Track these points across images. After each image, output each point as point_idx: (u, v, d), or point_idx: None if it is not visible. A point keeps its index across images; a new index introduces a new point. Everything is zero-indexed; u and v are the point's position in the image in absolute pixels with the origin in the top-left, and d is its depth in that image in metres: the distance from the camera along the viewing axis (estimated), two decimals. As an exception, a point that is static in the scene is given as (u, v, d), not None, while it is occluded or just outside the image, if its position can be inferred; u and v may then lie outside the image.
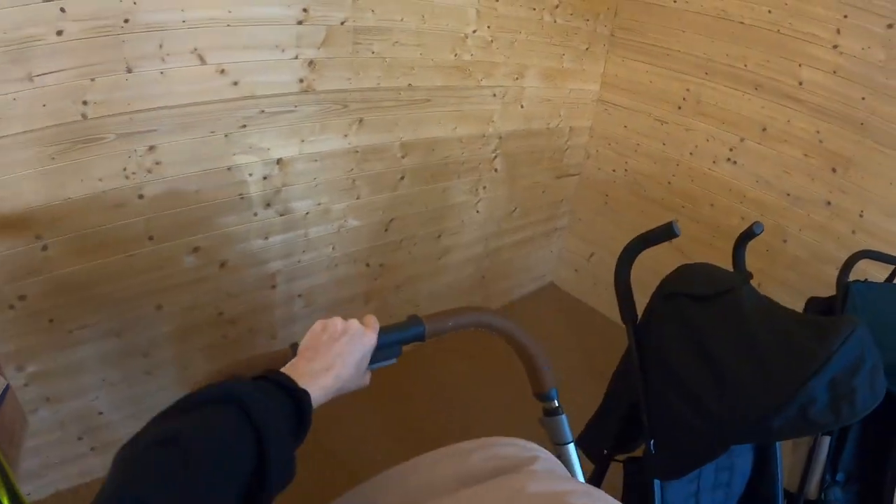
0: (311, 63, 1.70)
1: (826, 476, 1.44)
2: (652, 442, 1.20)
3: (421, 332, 0.78)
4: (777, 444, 1.30)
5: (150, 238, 1.62)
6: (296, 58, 1.67)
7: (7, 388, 1.06)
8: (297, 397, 0.59)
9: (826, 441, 1.44)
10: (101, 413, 1.74)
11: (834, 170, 2.05)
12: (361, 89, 1.85)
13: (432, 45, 1.98)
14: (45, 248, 1.46)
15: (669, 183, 2.59)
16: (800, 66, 2.06)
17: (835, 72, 1.97)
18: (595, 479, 1.34)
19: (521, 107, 2.44)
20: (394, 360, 0.79)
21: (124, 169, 1.50)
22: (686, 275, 1.23)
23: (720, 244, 2.44)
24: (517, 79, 2.34)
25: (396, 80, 1.93)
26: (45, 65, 1.31)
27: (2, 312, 1.46)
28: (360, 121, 1.90)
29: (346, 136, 1.89)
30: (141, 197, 1.56)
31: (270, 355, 0.72)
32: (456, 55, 2.07)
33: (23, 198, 1.40)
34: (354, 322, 0.70)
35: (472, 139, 2.32)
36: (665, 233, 1.14)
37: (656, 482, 1.18)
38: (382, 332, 0.76)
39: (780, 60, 2.11)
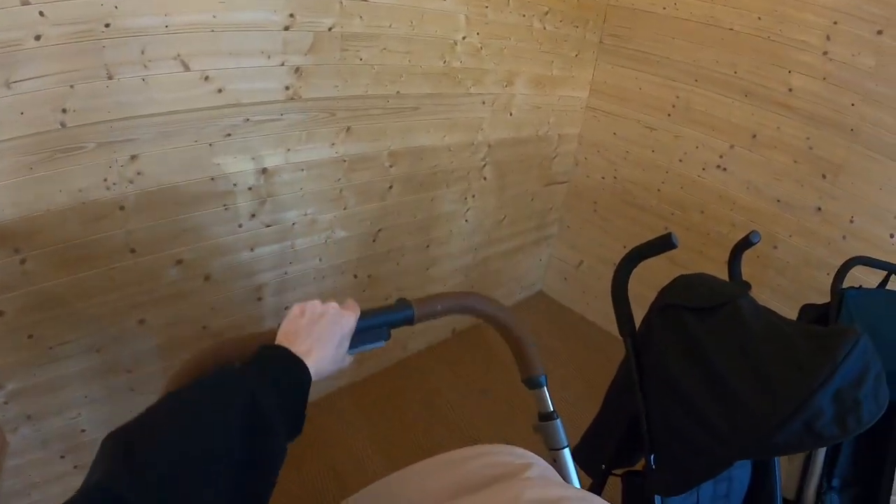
0: (297, 70, 1.67)
1: (823, 482, 1.43)
2: (652, 457, 1.18)
3: (410, 316, 0.79)
4: (775, 454, 1.28)
5: (132, 251, 1.58)
6: (282, 64, 1.64)
7: None
8: (301, 379, 0.61)
9: (822, 450, 1.43)
10: (83, 431, 1.70)
11: (824, 176, 2.05)
12: (349, 97, 1.82)
13: (421, 52, 1.95)
14: (23, 261, 1.41)
15: (659, 190, 2.58)
16: (790, 72, 2.06)
17: (825, 78, 1.97)
18: (593, 492, 1.32)
19: (511, 114, 2.42)
20: (382, 344, 0.79)
21: (105, 179, 1.46)
22: (684, 286, 1.20)
23: (712, 252, 2.43)
24: (507, 86, 2.32)
25: (385, 88, 1.90)
26: (22, 71, 1.26)
27: (-20, 329, 1.40)
28: (348, 129, 1.87)
29: (333, 144, 1.86)
30: (122, 208, 1.51)
31: (258, 335, 0.71)
32: (445, 62, 2.04)
33: (0, 210, 1.34)
34: (333, 304, 0.69)
35: (461, 147, 2.29)
36: (663, 244, 1.11)
37: (657, 497, 1.15)
38: (371, 314, 0.76)
39: (770, 67, 2.11)
